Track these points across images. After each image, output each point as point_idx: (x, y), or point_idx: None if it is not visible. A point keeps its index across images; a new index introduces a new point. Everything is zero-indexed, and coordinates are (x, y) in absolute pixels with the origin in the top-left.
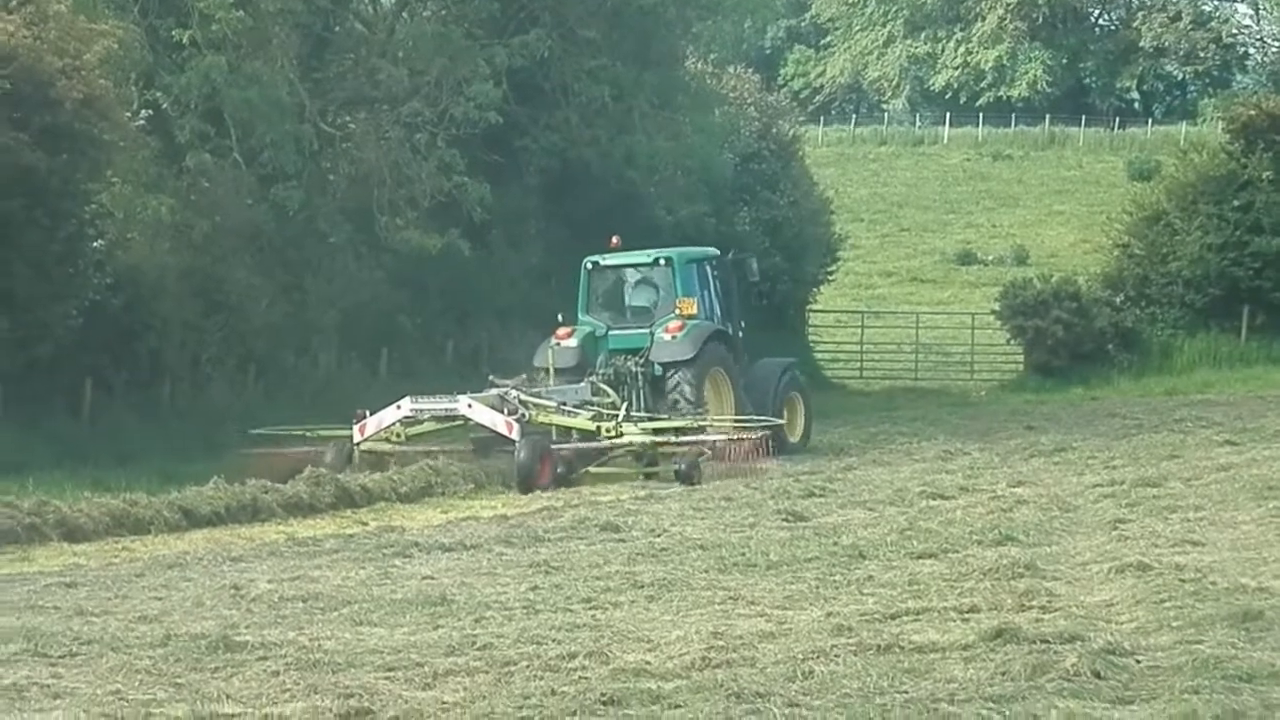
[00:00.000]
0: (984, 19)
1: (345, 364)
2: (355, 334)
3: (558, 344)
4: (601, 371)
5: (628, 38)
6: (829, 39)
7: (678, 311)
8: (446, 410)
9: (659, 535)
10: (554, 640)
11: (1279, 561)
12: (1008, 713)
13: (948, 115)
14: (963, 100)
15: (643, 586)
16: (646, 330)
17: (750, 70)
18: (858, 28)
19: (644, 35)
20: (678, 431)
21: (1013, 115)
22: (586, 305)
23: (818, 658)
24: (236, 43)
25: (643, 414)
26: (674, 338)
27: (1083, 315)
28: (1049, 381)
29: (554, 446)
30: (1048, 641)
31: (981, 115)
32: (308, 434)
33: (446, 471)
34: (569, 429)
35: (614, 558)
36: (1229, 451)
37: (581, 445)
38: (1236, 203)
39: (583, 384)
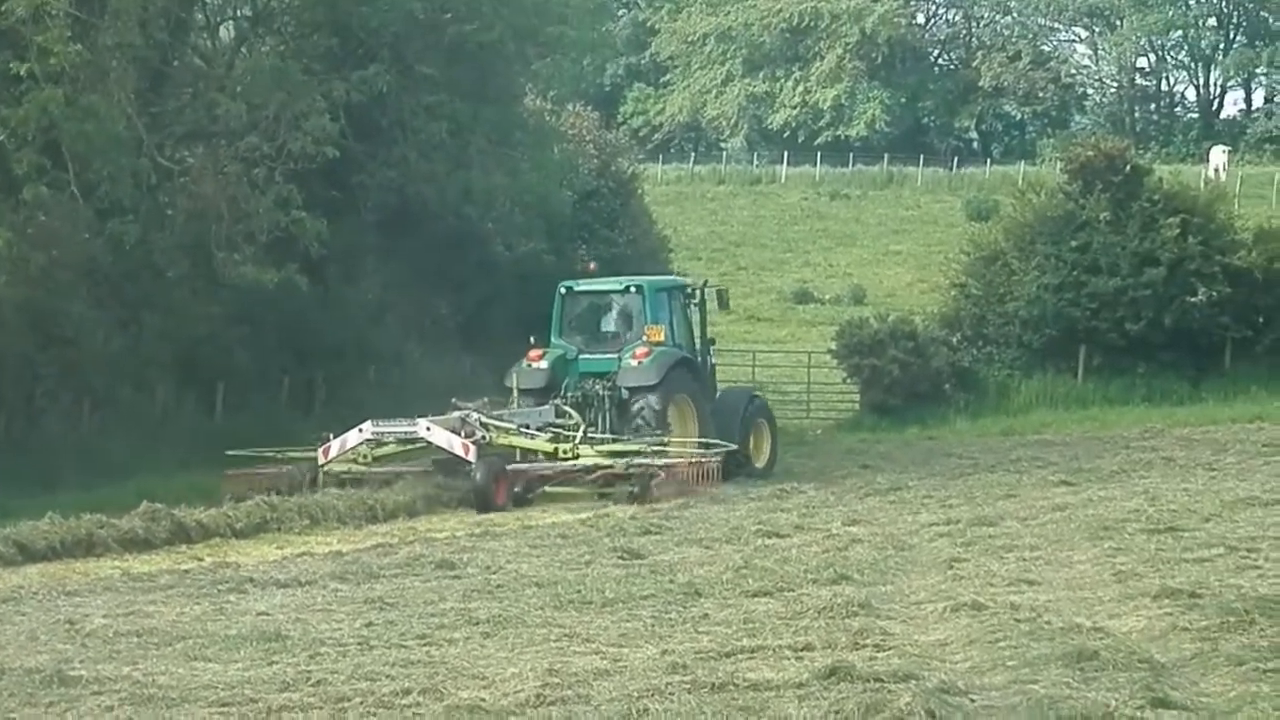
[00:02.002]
0: (823, 58)
1: (182, 398)
2: (192, 368)
3: (529, 365)
4: (570, 394)
5: (466, 74)
6: (668, 77)
7: (646, 338)
8: (406, 433)
9: (494, 572)
10: (389, 677)
11: (1113, 601)
12: None
13: (786, 154)
14: (801, 139)
15: (478, 623)
16: (615, 355)
17: (589, 108)
18: (697, 66)
19: (482, 72)
20: (631, 454)
21: (851, 155)
22: (559, 329)
23: (653, 695)
24: (74, 76)
25: (600, 436)
26: (640, 364)
27: (919, 354)
28: (885, 420)
29: (509, 468)
30: (882, 680)
31: (819, 154)
32: (279, 455)
33: (282, 507)
34: (531, 450)
35: (449, 594)
36: (1065, 491)
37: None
38: (1074, 243)
39: (547, 406)
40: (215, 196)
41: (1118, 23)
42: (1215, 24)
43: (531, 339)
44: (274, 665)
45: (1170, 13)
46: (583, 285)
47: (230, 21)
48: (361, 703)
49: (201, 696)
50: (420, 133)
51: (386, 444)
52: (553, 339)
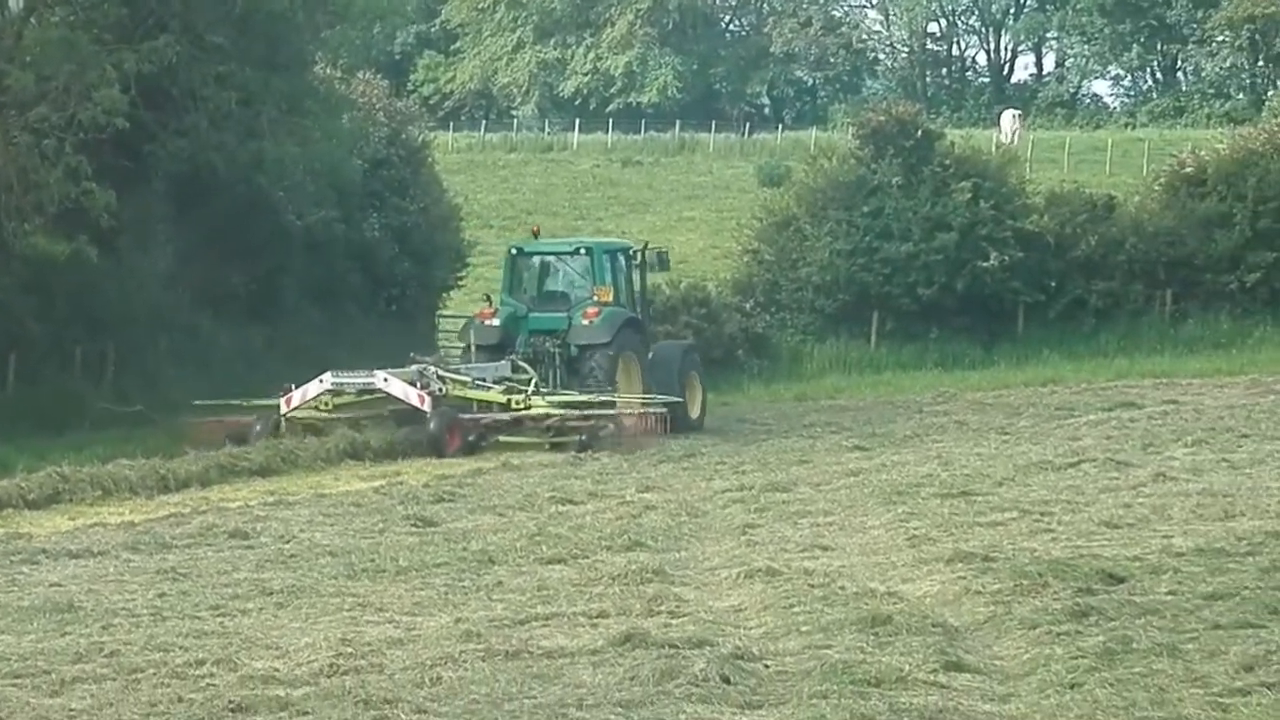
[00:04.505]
0: (614, 25)
1: None
2: None
3: (481, 323)
4: (521, 350)
5: (256, 43)
6: (459, 45)
7: (595, 298)
8: (364, 384)
9: (288, 542)
10: (182, 647)
11: (907, 566)
12: (636, 718)
13: (577, 121)
14: (593, 106)
15: (271, 594)
16: (565, 314)
17: (379, 76)
18: (487, 33)
19: (272, 40)
20: (579, 406)
21: (643, 121)
22: (509, 288)
23: (446, 664)
24: None
25: (551, 390)
26: (592, 322)
27: (712, 321)
28: None
29: (462, 417)
30: (676, 646)
31: (611, 121)
32: (244, 404)
33: (74, 478)
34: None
35: (242, 565)
36: (858, 457)
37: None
38: (866, 209)
39: (503, 361)
40: (5, 167)
41: None
42: None
43: (487, 297)
44: (67, 636)
45: None
46: (532, 246)
47: None
48: (155, 674)
49: None
50: (211, 102)
51: (346, 393)
52: (503, 298)
